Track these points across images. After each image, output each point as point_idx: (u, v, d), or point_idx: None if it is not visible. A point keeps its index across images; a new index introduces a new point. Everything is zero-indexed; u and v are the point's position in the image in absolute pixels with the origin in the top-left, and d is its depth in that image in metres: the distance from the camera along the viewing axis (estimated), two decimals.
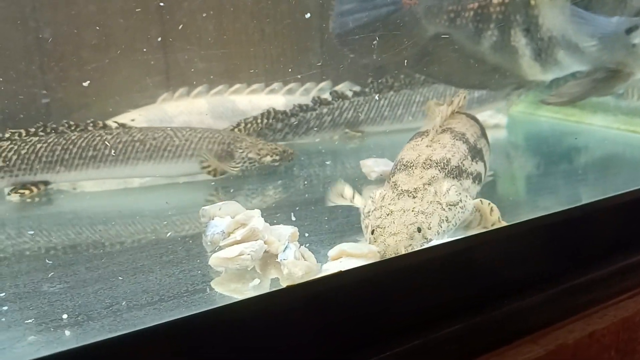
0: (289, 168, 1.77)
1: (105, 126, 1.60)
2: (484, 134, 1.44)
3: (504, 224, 1.20)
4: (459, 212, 1.13)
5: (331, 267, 1.00)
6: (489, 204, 1.20)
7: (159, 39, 1.87)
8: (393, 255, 1.02)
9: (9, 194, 1.52)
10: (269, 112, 1.94)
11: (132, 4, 1.71)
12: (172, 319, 0.77)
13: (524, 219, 1.21)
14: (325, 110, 2.04)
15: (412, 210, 1.08)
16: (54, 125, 1.56)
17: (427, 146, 1.27)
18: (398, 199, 1.12)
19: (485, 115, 2.15)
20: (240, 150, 1.67)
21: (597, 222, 1.32)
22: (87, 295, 0.99)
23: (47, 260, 1.16)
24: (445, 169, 1.21)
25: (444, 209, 1.10)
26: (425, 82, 2.07)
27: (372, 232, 1.07)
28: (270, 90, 2.03)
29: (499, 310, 1.09)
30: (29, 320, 0.91)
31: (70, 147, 1.53)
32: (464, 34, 1.52)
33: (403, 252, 1.02)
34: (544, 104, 1.76)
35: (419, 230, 1.05)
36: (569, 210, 1.29)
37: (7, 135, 1.53)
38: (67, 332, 0.86)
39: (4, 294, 1.01)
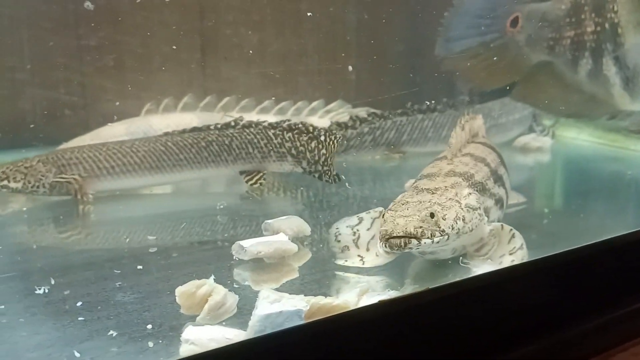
0: None
1: None
2: (503, 163, 1.42)
3: (520, 255, 1.14)
4: (476, 217, 1.10)
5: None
6: (511, 230, 1.17)
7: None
8: (401, 235, 0.98)
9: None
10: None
11: None
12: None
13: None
14: (366, 129, 2.04)
15: (429, 202, 1.06)
16: None
17: (447, 164, 1.25)
18: (417, 194, 1.10)
19: (529, 138, 2.16)
20: None
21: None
22: None
23: None
24: (469, 180, 1.19)
25: (462, 208, 1.07)
26: (470, 104, 2.08)
27: (383, 216, 1.04)
28: (262, 108, 1.99)
29: (562, 334, 1.08)
30: None
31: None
32: (563, 61, 1.55)
33: (412, 232, 0.99)
34: (629, 131, 1.78)
35: (432, 215, 1.01)
36: (621, 236, 1.28)
37: None
38: None
39: None
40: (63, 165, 1.54)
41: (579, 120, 2.07)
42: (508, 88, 1.84)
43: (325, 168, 1.67)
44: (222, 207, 1.54)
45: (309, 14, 2.12)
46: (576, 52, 1.52)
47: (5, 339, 0.90)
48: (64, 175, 1.52)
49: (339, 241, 1.17)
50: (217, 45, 2.08)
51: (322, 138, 1.70)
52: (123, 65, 1.94)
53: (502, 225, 1.18)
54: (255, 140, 1.67)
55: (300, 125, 1.72)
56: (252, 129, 1.68)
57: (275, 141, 1.69)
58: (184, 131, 1.67)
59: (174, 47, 1.97)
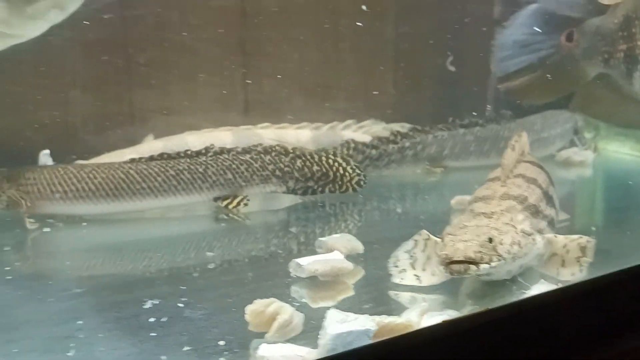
0: None
1: None
2: (551, 182, 1.45)
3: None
4: (530, 242, 1.15)
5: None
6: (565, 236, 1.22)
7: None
8: (461, 259, 1.03)
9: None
10: (348, 142, 1.97)
11: None
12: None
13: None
14: (407, 144, 2.06)
15: (486, 226, 1.11)
16: None
17: (501, 186, 1.29)
18: (474, 218, 1.15)
19: (571, 152, 2.17)
20: None
21: None
22: None
23: None
24: (523, 203, 1.23)
25: (517, 233, 1.12)
26: (511, 118, 2.10)
27: (443, 239, 1.09)
28: (299, 126, 2.03)
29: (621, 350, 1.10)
30: None
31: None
32: (618, 73, 1.58)
33: (472, 256, 1.03)
34: None
35: (491, 240, 1.06)
36: None
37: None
38: None
39: None
40: (22, 184, 1.55)
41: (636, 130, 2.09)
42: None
43: (322, 182, 1.76)
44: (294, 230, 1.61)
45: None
46: (630, 65, 1.55)
47: (86, 354, 0.95)
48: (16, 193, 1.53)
49: (397, 267, 1.21)
50: (259, 60, 2.13)
51: (309, 155, 1.76)
52: (169, 81, 2.01)
53: (554, 235, 1.23)
54: (234, 166, 1.69)
55: (277, 147, 1.76)
56: (226, 155, 1.70)
57: (255, 165, 1.71)
58: (151, 158, 1.66)
59: (218, 62, 2.04)
